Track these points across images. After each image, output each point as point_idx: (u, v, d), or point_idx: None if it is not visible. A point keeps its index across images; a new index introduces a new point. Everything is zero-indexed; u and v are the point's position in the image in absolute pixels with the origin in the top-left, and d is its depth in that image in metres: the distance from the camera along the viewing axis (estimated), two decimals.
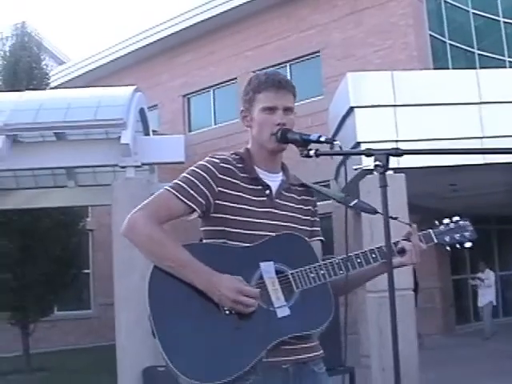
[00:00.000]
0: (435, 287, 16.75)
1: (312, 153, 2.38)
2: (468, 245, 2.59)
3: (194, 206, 2.36)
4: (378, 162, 2.23)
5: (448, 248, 2.59)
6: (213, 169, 2.41)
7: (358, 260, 2.44)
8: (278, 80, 2.49)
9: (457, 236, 2.57)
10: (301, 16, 18.31)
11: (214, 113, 20.54)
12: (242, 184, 2.45)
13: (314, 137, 2.37)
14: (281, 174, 2.60)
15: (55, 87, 17.67)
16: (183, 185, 2.37)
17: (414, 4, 16.56)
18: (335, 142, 2.34)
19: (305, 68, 18.47)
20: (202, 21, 19.52)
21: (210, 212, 2.41)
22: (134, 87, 10.16)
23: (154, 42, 20.94)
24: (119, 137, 9.21)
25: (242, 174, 2.47)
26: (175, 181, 2.41)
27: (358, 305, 10.43)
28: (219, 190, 2.40)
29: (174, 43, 20.44)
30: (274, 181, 2.54)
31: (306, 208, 2.62)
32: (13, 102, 9.75)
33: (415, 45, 16.19)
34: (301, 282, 2.35)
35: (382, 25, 16.66)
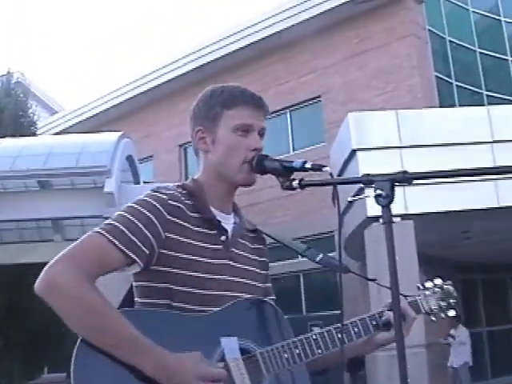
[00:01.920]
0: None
1: (295, 183, 2.01)
2: (452, 313, 2.39)
3: (136, 258, 1.89)
4: (379, 192, 1.84)
5: (433, 318, 2.37)
6: (160, 207, 1.97)
7: (339, 336, 2.09)
8: (257, 97, 2.14)
9: (443, 304, 2.38)
10: (300, 60, 18.15)
11: None
12: (192, 227, 2.03)
13: (297, 164, 1.99)
14: (233, 215, 2.19)
15: None
16: (122, 228, 1.89)
17: (418, 44, 16.43)
18: (324, 169, 1.94)
19: (306, 114, 18.22)
20: (196, 67, 19.48)
21: (150, 264, 1.96)
22: (120, 133, 9.85)
23: (148, 90, 20.94)
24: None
25: (192, 214, 2.05)
26: (110, 221, 1.93)
27: (366, 364, 9.87)
28: (166, 236, 1.96)
29: (167, 91, 20.36)
30: (228, 224, 2.14)
31: (260, 259, 2.24)
32: None
33: (420, 86, 15.98)
34: (272, 364, 1.97)
35: (385, 67, 16.50)
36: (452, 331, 13.80)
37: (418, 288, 2.35)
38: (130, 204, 1.99)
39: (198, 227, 2.03)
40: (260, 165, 2.06)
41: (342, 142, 10.26)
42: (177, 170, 20.88)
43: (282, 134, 17.86)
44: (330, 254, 2.33)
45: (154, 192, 2.01)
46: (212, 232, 2.06)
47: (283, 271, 16.76)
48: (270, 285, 2.29)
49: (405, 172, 1.90)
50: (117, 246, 1.85)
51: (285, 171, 2.02)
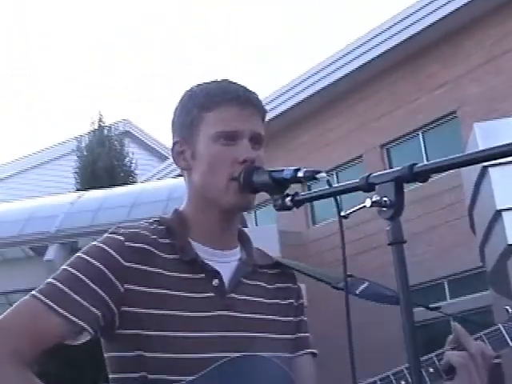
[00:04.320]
0: None
1: (288, 201, 1.72)
2: None
3: (84, 324, 1.65)
4: (376, 198, 1.48)
5: None
6: (113, 253, 1.72)
7: None
8: (241, 91, 1.86)
9: None
10: (429, 73, 16.83)
11: (340, 200, 18.98)
12: (166, 273, 1.75)
13: (288, 173, 1.71)
14: (238, 249, 1.92)
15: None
16: (61, 286, 1.66)
17: None
18: (319, 175, 1.66)
19: (440, 133, 16.84)
20: (312, 94, 18.29)
21: (113, 329, 1.71)
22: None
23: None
24: None
25: (168, 256, 1.78)
26: (50, 279, 1.69)
27: None
28: (126, 289, 1.70)
29: (283, 124, 19.26)
30: (226, 263, 1.87)
31: (284, 302, 1.95)
32: None
33: None
34: None
35: None
36: None
37: (508, 311, 2.01)
38: (77, 254, 1.76)
39: (176, 272, 1.78)
40: (247, 181, 1.78)
41: None
42: (302, 209, 19.83)
43: (414, 158, 16.42)
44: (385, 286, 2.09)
45: (110, 233, 1.79)
46: (199, 276, 1.80)
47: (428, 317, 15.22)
48: (304, 334, 1.99)
49: (413, 165, 1.47)
50: (56, 311, 1.64)
51: (276, 185, 1.73)
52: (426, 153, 16.76)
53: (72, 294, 1.66)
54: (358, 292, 2.04)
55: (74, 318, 1.64)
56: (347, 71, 17.80)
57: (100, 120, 14.58)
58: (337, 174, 19.25)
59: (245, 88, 1.90)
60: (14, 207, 10.13)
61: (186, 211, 1.90)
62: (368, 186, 1.54)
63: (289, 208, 1.74)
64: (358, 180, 1.59)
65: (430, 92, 16.88)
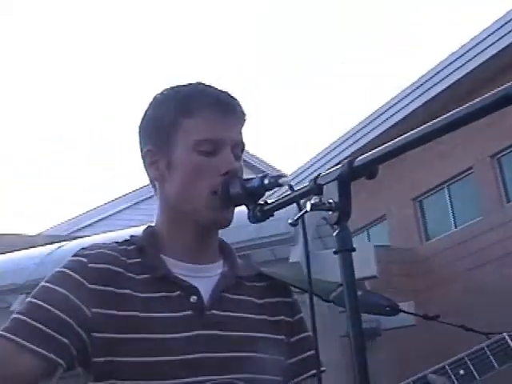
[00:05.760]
0: None
1: (258, 211, 1.62)
2: None
3: (56, 358, 1.53)
4: (315, 200, 1.37)
5: None
6: (77, 277, 1.61)
7: None
8: (224, 96, 1.74)
9: None
10: None
11: (453, 214, 18.68)
12: (136, 294, 1.62)
13: (255, 182, 1.62)
14: (220, 263, 1.79)
15: None
16: (25, 318, 1.55)
17: None
18: (281, 180, 1.57)
19: None
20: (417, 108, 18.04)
21: (88, 357, 1.58)
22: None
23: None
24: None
25: (138, 276, 1.65)
26: (13, 315, 1.57)
27: None
28: (94, 313, 1.58)
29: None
30: (206, 277, 1.72)
31: (273, 319, 1.78)
32: None
33: None
34: None
35: None
36: None
37: None
38: (41, 283, 1.64)
39: (148, 293, 1.64)
40: (226, 195, 1.66)
41: None
42: (414, 227, 19.58)
43: None
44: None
45: (73, 256, 1.67)
46: (174, 294, 1.65)
47: None
48: (305, 354, 1.79)
49: (353, 159, 1.36)
50: (23, 346, 1.51)
51: (248, 196, 1.63)
52: None
53: (37, 324, 1.55)
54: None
55: (45, 352, 1.53)
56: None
57: None
58: (448, 188, 18.98)
59: (227, 93, 1.77)
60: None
61: (158, 226, 1.77)
62: (317, 188, 1.43)
63: (261, 219, 1.64)
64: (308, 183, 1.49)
65: None
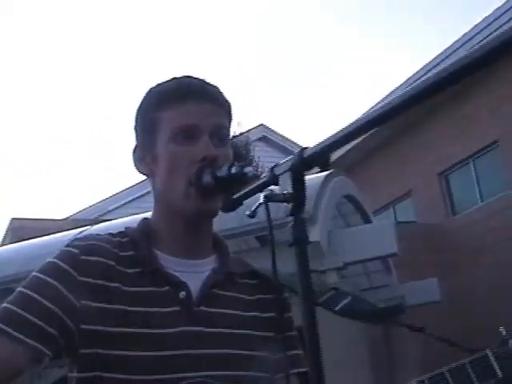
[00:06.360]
0: None
1: (227, 201, 1.65)
2: None
3: (42, 347, 1.53)
4: (267, 192, 1.38)
5: None
6: (67, 267, 1.61)
7: None
8: (196, 85, 1.73)
9: None
10: None
11: (479, 188, 18.60)
12: (125, 288, 1.62)
13: (224, 171, 1.60)
14: (212, 258, 1.76)
15: None
16: (13, 308, 1.55)
17: None
18: (245, 170, 1.56)
19: None
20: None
21: (75, 348, 1.58)
22: (327, 173, 9.02)
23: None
24: None
25: (129, 270, 1.65)
26: (4, 304, 1.57)
27: None
28: (83, 305, 1.58)
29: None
30: (197, 273, 1.70)
31: (264, 316, 1.77)
32: None
33: None
34: None
35: None
36: None
37: (501, 333, 1.97)
38: (33, 272, 1.64)
39: (138, 287, 1.63)
40: (199, 184, 1.63)
41: None
42: (441, 202, 19.51)
43: None
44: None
45: (65, 247, 1.66)
46: (163, 289, 1.64)
47: None
48: (293, 352, 1.78)
49: (303, 149, 1.34)
50: (10, 335, 1.51)
51: (220, 185, 1.61)
52: None
53: (25, 314, 1.55)
54: (337, 309, 1.99)
55: (31, 341, 1.53)
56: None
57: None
58: (473, 162, 18.86)
59: (202, 81, 1.76)
60: None
61: (152, 220, 1.78)
62: (273, 179, 1.43)
63: (230, 209, 1.65)
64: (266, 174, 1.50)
65: None
